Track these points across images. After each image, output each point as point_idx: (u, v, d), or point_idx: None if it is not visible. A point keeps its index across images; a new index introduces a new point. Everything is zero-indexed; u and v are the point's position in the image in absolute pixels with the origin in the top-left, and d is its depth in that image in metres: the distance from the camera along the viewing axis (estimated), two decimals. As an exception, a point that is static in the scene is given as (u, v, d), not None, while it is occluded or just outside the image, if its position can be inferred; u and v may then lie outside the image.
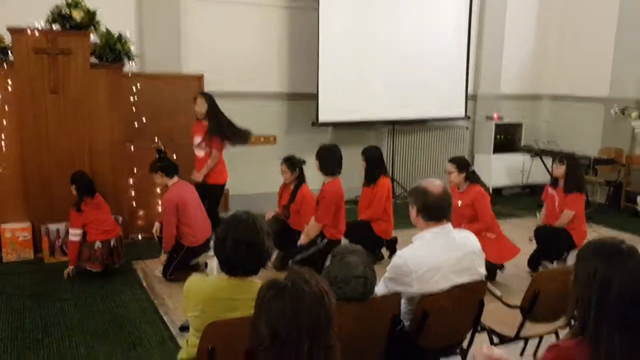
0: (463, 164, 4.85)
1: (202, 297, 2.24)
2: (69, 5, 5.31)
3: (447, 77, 8.05)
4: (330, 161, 5.07)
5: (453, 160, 4.91)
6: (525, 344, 3.40)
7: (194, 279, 2.34)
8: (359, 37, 7.37)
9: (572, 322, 1.98)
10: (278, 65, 7.36)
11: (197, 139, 5.52)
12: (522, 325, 3.00)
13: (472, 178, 4.87)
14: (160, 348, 3.71)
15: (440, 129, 8.31)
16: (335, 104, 7.18)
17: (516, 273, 5.16)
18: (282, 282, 1.54)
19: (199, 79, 6.67)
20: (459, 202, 4.76)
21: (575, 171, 5.13)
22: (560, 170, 5.13)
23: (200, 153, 5.54)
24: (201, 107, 5.49)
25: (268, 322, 1.50)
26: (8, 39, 5.26)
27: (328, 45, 7.09)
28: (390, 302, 2.57)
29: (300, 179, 5.39)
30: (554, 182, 5.27)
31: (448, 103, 8.10)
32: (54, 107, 5.37)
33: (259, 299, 1.55)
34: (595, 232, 6.49)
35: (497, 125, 8.47)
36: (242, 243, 2.22)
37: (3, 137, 5.34)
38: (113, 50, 5.64)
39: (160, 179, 4.95)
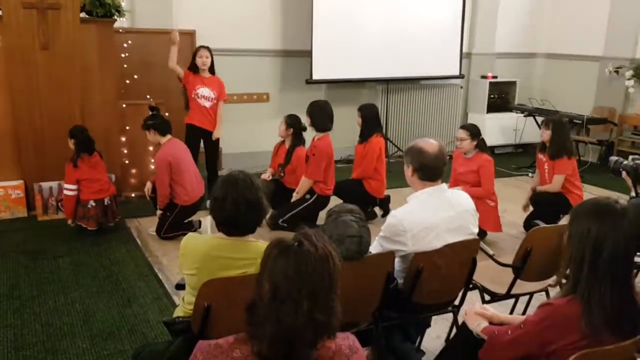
0: (475, 132, 4.86)
1: (198, 256, 2.26)
2: (56, -42, 5.16)
3: (441, 35, 7.95)
4: (321, 117, 5.08)
5: (466, 128, 4.90)
6: (516, 301, 3.47)
7: (190, 237, 2.35)
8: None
9: (564, 280, 2.02)
10: (272, 22, 7.24)
11: (207, 90, 5.58)
12: (513, 283, 3.04)
13: (482, 146, 4.89)
14: (156, 304, 3.76)
15: (434, 87, 8.26)
16: (330, 62, 7.11)
17: (508, 232, 5.22)
18: (289, 242, 1.55)
19: (191, 35, 6.57)
20: (462, 169, 4.86)
21: (561, 135, 5.02)
22: (546, 134, 5.06)
23: (206, 103, 5.59)
24: (208, 59, 5.55)
25: (270, 279, 1.51)
26: (-5, -7, 5.13)
27: (322, 3, 6.97)
28: (385, 260, 2.60)
29: (299, 141, 5.36)
30: (543, 146, 5.21)
31: (442, 62, 8.03)
32: (44, 64, 5.27)
33: (265, 255, 1.57)
34: (586, 192, 6.57)
35: (491, 84, 8.44)
36: (242, 202, 2.23)
37: (-7, 94, 5.26)
38: (103, 5, 5.51)
39: (152, 136, 4.91)
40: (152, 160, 5.78)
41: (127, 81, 5.88)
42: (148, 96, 5.99)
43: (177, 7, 6.60)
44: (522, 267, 2.99)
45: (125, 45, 5.94)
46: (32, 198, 5.37)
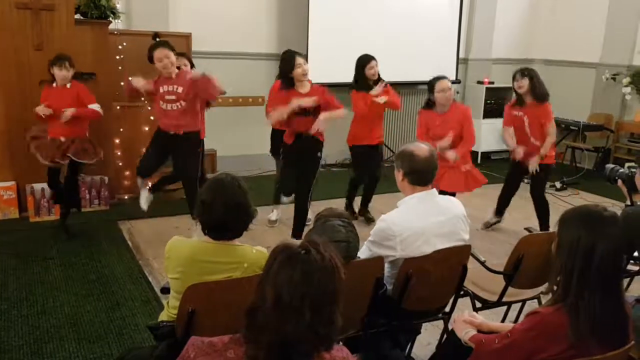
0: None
1: (183, 260, 2.23)
2: (51, -42, 5.14)
3: (438, 40, 7.95)
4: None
5: (446, 78, 4.84)
6: (508, 309, 3.45)
7: (176, 240, 2.32)
8: (350, -3, 7.24)
9: (555, 288, 1.99)
10: (267, 26, 7.22)
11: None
12: (504, 291, 3.02)
13: None
14: (144, 308, 3.73)
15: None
16: (325, 65, 7.08)
17: (500, 238, 5.20)
18: (296, 249, 1.52)
19: (187, 37, 6.54)
20: (439, 125, 4.84)
21: (539, 80, 4.98)
22: (524, 84, 4.90)
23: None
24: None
25: (274, 286, 1.48)
26: (-12, -8, 5.11)
27: (318, 6, 6.97)
28: (374, 266, 2.56)
29: None
30: (519, 101, 5.05)
31: (439, 66, 7.99)
32: (38, 64, 5.23)
33: (270, 261, 1.54)
34: (582, 199, 6.55)
35: (487, 89, 8.42)
36: (230, 205, 2.20)
37: (-15, 95, 5.23)
38: (98, 7, 5.51)
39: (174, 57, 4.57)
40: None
41: (122, 83, 5.84)
42: (142, 98, 5.95)
43: (172, 10, 6.58)
44: (513, 274, 2.97)
45: (120, 47, 5.91)
46: (24, 199, 5.33)
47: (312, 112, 4.53)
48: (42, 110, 4.63)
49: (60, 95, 4.68)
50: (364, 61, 5.30)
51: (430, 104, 4.89)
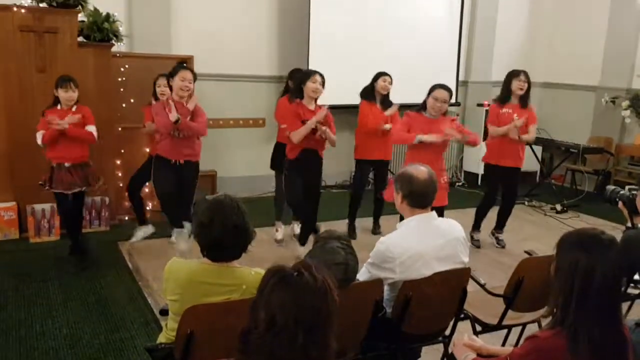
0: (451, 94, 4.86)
1: (182, 281, 2.23)
2: (56, -18, 5.22)
3: (438, 62, 8.00)
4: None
5: (447, 89, 4.73)
6: (508, 332, 3.42)
7: (175, 262, 2.32)
8: (350, 21, 7.31)
9: (554, 311, 1.98)
10: (268, 49, 7.29)
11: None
12: (504, 314, 3.00)
13: None
14: (143, 330, 3.71)
15: (431, 115, 8.27)
16: (325, 87, 7.13)
17: (501, 260, 5.19)
18: (289, 271, 1.52)
19: (189, 60, 6.59)
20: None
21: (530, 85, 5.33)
22: (525, 86, 5.24)
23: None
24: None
25: (267, 308, 1.48)
26: (-7, 15, 5.17)
27: (319, 29, 7.03)
28: (373, 288, 2.56)
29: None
30: (506, 98, 5.30)
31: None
32: (40, 86, 5.28)
33: (263, 283, 1.53)
34: (583, 222, 6.54)
35: (487, 112, 8.43)
36: (228, 227, 2.20)
37: (-12, 116, 5.27)
38: (101, 30, 5.56)
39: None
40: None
41: (123, 105, 5.88)
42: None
43: (175, 33, 6.65)
44: (513, 297, 2.96)
45: (122, 69, 5.96)
46: (25, 220, 5.34)
47: (316, 129, 4.69)
48: (53, 120, 4.52)
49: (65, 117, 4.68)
50: (378, 74, 5.65)
51: (422, 107, 4.78)
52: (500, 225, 5.63)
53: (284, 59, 7.33)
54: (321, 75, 4.76)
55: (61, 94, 4.61)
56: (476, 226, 5.62)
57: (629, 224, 3.52)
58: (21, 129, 5.27)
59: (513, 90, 5.26)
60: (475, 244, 5.53)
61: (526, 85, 5.25)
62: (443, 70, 8.08)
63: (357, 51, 7.34)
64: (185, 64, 4.91)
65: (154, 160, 4.82)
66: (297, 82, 4.92)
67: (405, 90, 7.74)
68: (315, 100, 4.79)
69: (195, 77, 4.71)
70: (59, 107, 4.66)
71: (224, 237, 2.21)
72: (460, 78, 8.50)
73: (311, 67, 6.99)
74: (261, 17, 7.18)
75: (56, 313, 3.91)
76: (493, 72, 8.72)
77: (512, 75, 5.30)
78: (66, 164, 4.64)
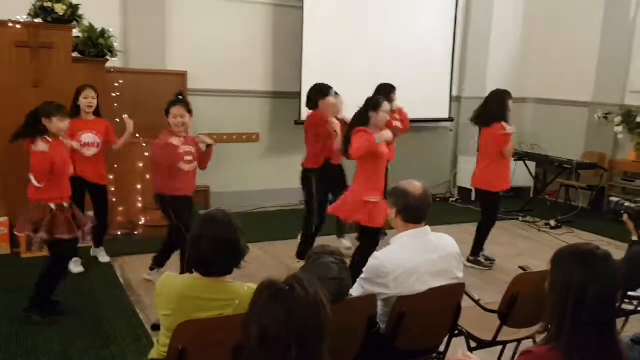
0: None
1: (174, 296, 2.21)
2: (51, -1, 5.24)
3: (431, 78, 8.05)
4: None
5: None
6: (503, 348, 3.40)
7: (168, 277, 2.31)
8: (343, 37, 7.35)
9: (549, 327, 1.97)
10: (262, 64, 7.32)
11: (91, 136, 4.93)
12: (499, 330, 2.99)
13: None
14: (135, 346, 3.67)
15: (424, 130, 8.31)
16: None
17: (494, 275, 5.18)
18: (280, 285, 1.51)
19: (183, 75, 6.62)
20: None
21: None
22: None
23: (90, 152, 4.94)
24: (94, 100, 4.93)
25: (259, 323, 1.47)
26: (-11, 31, 5.18)
27: (312, 45, 7.07)
28: (367, 304, 2.55)
29: None
30: (506, 118, 5.35)
31: (432, 104, 8.11)
32: (35, 101, 5.21)
33: (255, 297, 1.53)
34: (578, 238, 6.54)
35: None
36: (219, 242, 2.19)
37: (-18, 131, 5.24)
38: (96, 45, 5.59)
39: (189, 119, 4.39)
40: (139, 199, 5.77)
41: (117, 120, 5.88)
42: (138, 135, 5.99)
43: (169, 48, 6.68)
44: (508, 313, 2.94)
45: (116, 84, 5.97)
46: (16, 235, 5.29)
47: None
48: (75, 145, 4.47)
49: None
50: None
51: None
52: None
53: (278, 74, 7.36)
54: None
55: (56, 123, 4.03)
56: (478, 250, 5.52)
57: (635, 237, 3.47)
58: (13, 144, 5.24)
59: (510, 109, 5.30)
60: (486, 265, 5.45)
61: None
62: (436, 85, 8.13)
63: (350, 67, 7.37)
64: (180, 96, 4.74)
65: (172, 200, 4.40)
66: (321, 94, 5.14)
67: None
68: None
69: (189, 108, 4.41)
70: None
71: (213, 252, 2.20)
72: (454, 93, 8.55)
73: (304, 82, 7.05)
74: (255, 33, 7.23)
75: (48, 328, 3.87)
76: (487, 88, 8.75)
77: (507, 95, 5.37)
78: (64, 204, 4.08)
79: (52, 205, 3.96)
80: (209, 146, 4.42)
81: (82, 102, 4.85)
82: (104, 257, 5.22)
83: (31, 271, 4.82)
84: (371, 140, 4.15)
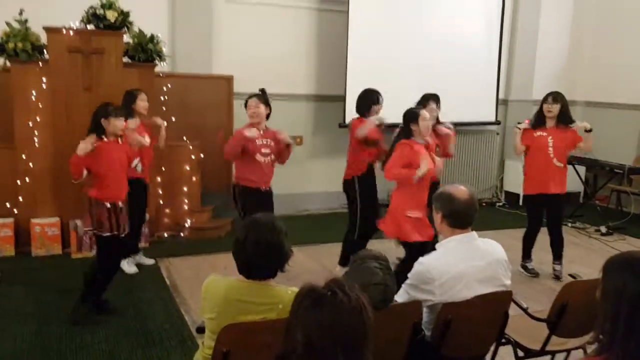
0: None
1: (219, 299, 2.23)
2: (103, 6, 5.38)
3: (477, 81, 7.93)
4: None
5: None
6: (552, 358, 3.31)
7: (212, 280, 2.33)
8: (388, 40, 7.31)
9: (600, 337, 1.91)
10: (307, 67, 7.36)
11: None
12: (548, 339, 2.91)
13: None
14: (180, 347, 3.72)
15: (470, 133, 8.19)
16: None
17: (543, 283, 5.05)
18: (321, 291, 1.50)
19: (229, 79, 6.71)
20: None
21: (567, 104, 5.19)
22: (555, 108, 5.06)
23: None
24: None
25: (303, 330, 1.46)
26: (44, 38, 5.37)
27: (356, 48, 7.05)
28: (411, 310, 2.52)
29: None
30: (540, 122, 5.16)
31: (478, 107, 7.98)
32: (86, 105, 5.40)
33: (296, 304, 1.53)
34: (631, 246, 6.33)
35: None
36: (263, 245, 2.20)
37: (36, 133, 5.43)
38: (145, 51, 5.71)
39: (264, 110, 4.50)
40: (185, 200, 5.88)
41: (165, 123, 5.99)
42: (184, 137, 6.10)
43: (216, 53, 6.77)
44: (557, 322, 2.86)
45: (164, 88, 6.09)
46: (67, 235, 5.45)
47: (376, 145, 4.91)
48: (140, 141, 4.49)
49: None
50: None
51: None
52: (556, 256, 5.35)
53: (322, 77, 7.38)
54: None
55: (114, 122, 4.07)
56: (526, 255, 5.38)
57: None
58: (66, 146, 5.39)
59: (545, 114, 5.14)
60: (532, 272, 5.30)
61: (556, 107, 5.06)
62: (482, 88, 8.00)
63: (394, 70, 7.32)
64: (261, 91, 4.77)
65: (242, 191, 4.50)
66: (370, 102, 5.04)
67: (444, 110, 7.69)
68: None
69: (264, 100, 4.55)
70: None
71: (257, 255, 2.20)
72: (500, 96, 8.40)
73: (349, 86, 7.04)
74: (300, 37, 7.26)
75: (95, 328, 3.96)
76: (534, 91, 8.58)
77: (543, 100, 5.20)
78: (120, 203, 4.13)
79: (107, 204, 4.01)
80: (288, 145, 4.56)
81: (139, 105, 4.94)
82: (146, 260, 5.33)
83: (80, 271, 4.96)
84: (409, 175, 4.05)
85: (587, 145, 5.15)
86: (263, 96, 4.59)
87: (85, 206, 4.13)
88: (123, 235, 4.13)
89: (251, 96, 4.56)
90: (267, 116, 4.59)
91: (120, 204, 4.09)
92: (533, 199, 5.26)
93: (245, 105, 4.54)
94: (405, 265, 3.75)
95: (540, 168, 5.12)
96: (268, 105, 4.56)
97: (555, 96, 5.12)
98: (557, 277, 5.22)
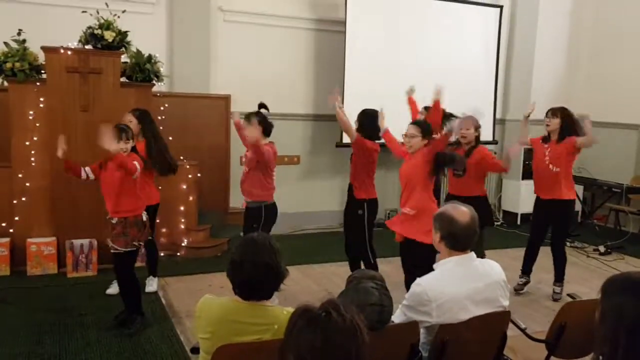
0: (427, 130, 4.36)
1: (213, 319, 2.20)
2: (101, 27, 5.40)
3: (475, 100, 7.89)
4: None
5: (418, 124, 4.42)
6: (551, 379, 3.28)
7: (207, 299, 2.30)
8: (385, 60, 7.37)
9: (600, 359, 1.89)
10: (304, 87, 7.39)
11: None
12: (547, 360, 2.88)
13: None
14: (176, 368, 3.68)
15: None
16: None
17: (542, 303, 5.02)
18: (315, 312, 1.49)
19: (226, 99, 6.73)
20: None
21: (571, 118, 5.12)
22: (554, 122, 5.08)
23: None
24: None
25: (296, 351, 1.45)
26: (42, 58, 5.38)
27: (353, 68, 7.10)
28: (408, 331, 2.49)
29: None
30: (546, 138, 5.22)
31: (476, 127, 7.99)
32: (83, 124, 5.44)
33: (290, 325, 1.51)
34: (630, 265, 6.30)
35: (526, 150, 8.32)
36: (261, 265, 2.18)
37: (33, 152, 5.43)
38: (143, 70, 5.73)
39: (254, 131, 4.58)
40: (182, 220, 5.84)
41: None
42: (182, 157, 6.10)
43: (213, 73, 6.81)
44: (556, 342, 2.83)
45: (162, 108, 6.10)
46: (64, 254, 5.42)
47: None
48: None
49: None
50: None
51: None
52: (556, 277, 5.28)
53: (319, 97, 7.41)
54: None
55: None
56: (523, 269, 5.35)
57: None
58: (63, 165, 5.39)
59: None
60: (517, 288, 5.25)
61: (554, 121, 5.09)
62: (480, 107, 8.00)
63: (391, 90, 7.34)
64: (264, 108, 4.91)
65: (269, 207, 4.67)
66: (372, 122, 4.91)
67: (442, 129, 7.68)
68: None
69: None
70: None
71: (256, 275, 2.18)
72: (498, 115, 8.43)
73: (346, 105, 7.04)
74: (297, 57, 7.31)
75: (90, 348, 3.92)
76: (531, 110, 8.61)
77: (545, 115, 5.25)
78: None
79: (143, 216, 4.18)
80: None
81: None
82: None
83: (75, 291, 4.96)
84: None
85: (587, 137, 4.95)
86: (252, 115, 4.70)
87: (114, 228, 4.11)
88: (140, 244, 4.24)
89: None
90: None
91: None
92: (535, 203, 5.32)
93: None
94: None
95: (538, 173, 5.24)
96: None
97: (555, 111, 5.15)
98: (555, 300, 5.16)
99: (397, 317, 2.55)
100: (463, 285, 2.56)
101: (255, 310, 2.20)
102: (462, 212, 2.65)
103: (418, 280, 2.62)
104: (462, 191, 4.85)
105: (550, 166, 5.09)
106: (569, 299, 3.79)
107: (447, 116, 5.00)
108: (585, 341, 2.81)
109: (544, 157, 5.16)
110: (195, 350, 2.42)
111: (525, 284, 5.36)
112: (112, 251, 4.13)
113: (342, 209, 5.12)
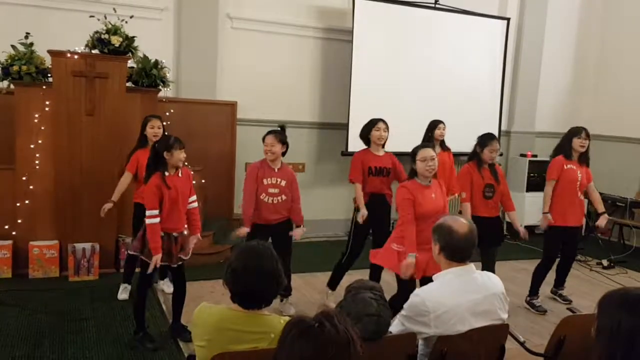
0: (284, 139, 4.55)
1: (209, 327, 2.19)
2: (108, 31, 5.44)
3: (480, 112, 7.95)
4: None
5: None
6: (550, 393, 3.25)
7: (204, 307, 2.29)
8: (392, 71, 7.38)
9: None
10: (310, 95, 7.41)
11: None
12: (545, 374, 2.86)
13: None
14: (174, 375, 3.68)
15: (472, 164, 8.18)
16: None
17: (542, 316, 4.99)
18: (309, 322, 1.49)
19: (232, 105, 6.75)
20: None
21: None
22: (587, 143, 5.08)
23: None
24: (160, 130, 4.96)
25: None
26: (49, 61, 5.41)
27: (360, 77, 7.11)
28: (406, 342, 2.48)
29: None
30: (569, 156, 5.08)
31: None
32: (89, 129, 5.47)
33: (283, 334, 1.51)
34: (634, 280, 6.26)
35: (530, 162, 8.32)
36: (263, 274, 2.17)
37: (37, 156, 5.45)
38: (149, 76, 5.76)
39: (279, 149, 4.52)
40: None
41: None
42: (186, 163, 6.10)
43: (220, 80, 6.83)
44: (555, 356, 2.81)
45: (167, 113, 6.12)
46: (65, 258, 5.44)
47: (386, 174, 4.89)
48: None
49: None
50: (434, 123, 5.93)
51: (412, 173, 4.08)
52: (560, 282, 5.46)
53: (325, 105, 7.43)
54: (384, 122, 4.92)
55: (177, 155, 4.03)
56: (534, 291, 5.25)
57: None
58: (68, 170, 5.43)
59: (574, 148, 5.07)
60: (540, 310, 5.13)
61: (587, 142, 5.06)
62: (485, 119, 8.02)
63: (398, 100, 7.37)
64: (281, 127, 4.75)
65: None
66: (363, 133, 4.96)
67: (447, 141, 7.73)
68: (383, 146, 4.96)
69: (281, 139, 4.53)
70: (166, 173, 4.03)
71: (259, 284, 2.17)
72: (503, 128, 8.42)
73: (352, 114, 7.08)
74: (304, 65, 7.33)
75: (89, 353, 3.92)
76: (537, 123, 8.61)
77: (573, 133, 5.12)
78: (174, 234, 4.12)
79: (162, 233, 4.00)
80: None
81: (149, 132, 4.91)
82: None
83: (76, 295, 4.97)
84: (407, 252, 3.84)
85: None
86: (280, 134, 4.58)
87: (184, 240, 4.21)
88: (175, 265, 4.15)
89: (270, 132, 4.56)
90: (283, 154, 4.61)
91: (175, 234, 4.09)
92: (555, 230, 5.12)
93: (263, 140, 4.55)
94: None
95: (567, 200, 5.07)
96: (285, 144, 4.57)
97: (588, 132, 5.12)
98: (569, 301, 5.32)
99: (395, 328, 2.54)
100: (462, 296, 2.55)
101: (253, 318, 2.20)
102: (461, 224, 2.65)
103: (417, 290, 2.61)
104: (491, 212, 4.98)
105: (579, 194, 5.14)
106: (569, 313, 3.76)
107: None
108: (584, 355, 2.79)
109: (575, 184, 5.07)
110: (192, 358, 2.40)
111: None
112: (179, 263, 4.15)
113: (348, 217, 5.14)
